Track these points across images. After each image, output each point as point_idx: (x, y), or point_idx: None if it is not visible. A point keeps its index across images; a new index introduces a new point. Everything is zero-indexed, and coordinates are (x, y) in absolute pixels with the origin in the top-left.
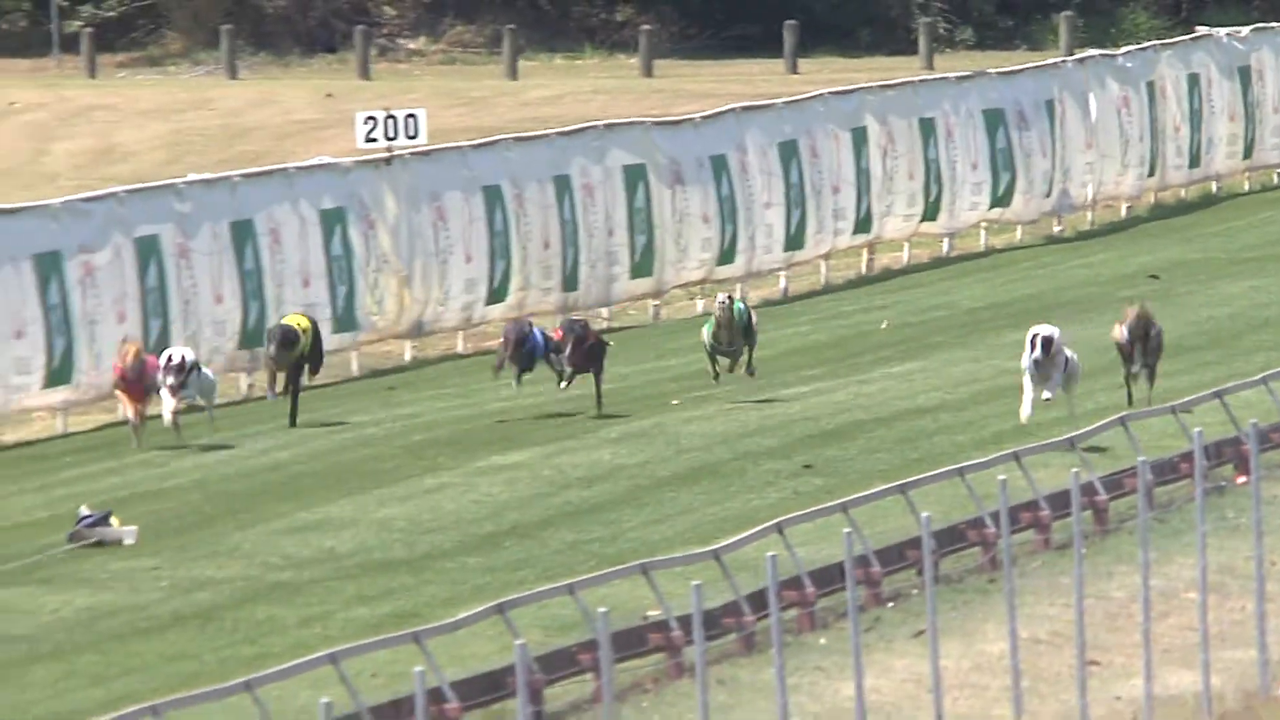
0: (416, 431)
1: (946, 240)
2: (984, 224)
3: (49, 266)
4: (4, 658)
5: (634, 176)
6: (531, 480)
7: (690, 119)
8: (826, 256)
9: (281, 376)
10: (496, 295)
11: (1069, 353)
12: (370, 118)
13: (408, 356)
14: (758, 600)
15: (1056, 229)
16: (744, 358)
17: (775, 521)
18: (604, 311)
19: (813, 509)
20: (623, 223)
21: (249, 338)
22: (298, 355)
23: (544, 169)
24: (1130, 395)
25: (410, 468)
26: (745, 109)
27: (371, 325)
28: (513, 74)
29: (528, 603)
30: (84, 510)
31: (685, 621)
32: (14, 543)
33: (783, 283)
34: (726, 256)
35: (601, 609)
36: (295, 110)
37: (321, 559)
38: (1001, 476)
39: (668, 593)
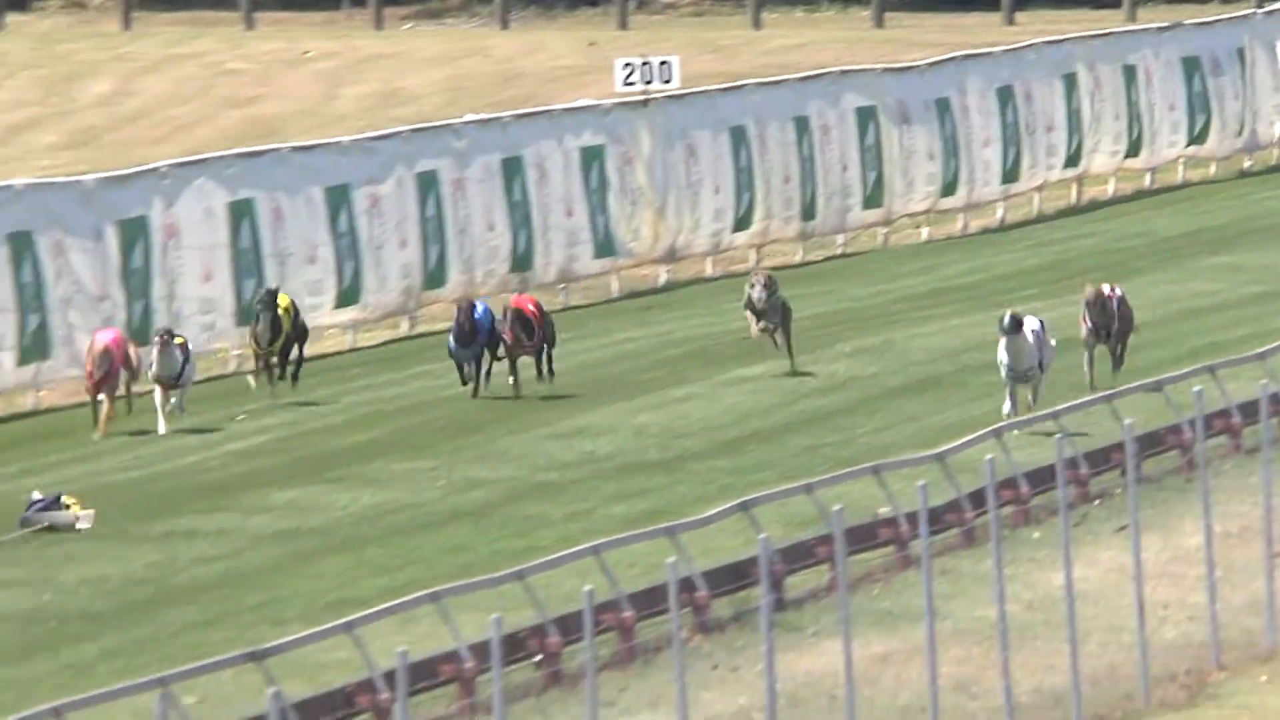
0: (669, 347)
1: (1148, 175)
2: (1181, 160)
3: (339, 198)
4: (300, 549)
5: (865, 117)
6: (773, 390)
7: (916, 66)
8: (1039, 189)
9: (262, 365)
10: (741, 224)
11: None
12: (628, 64)
13: (662, 279)
14: (977, 498)
15: (1247, 164)
16: (782, 337)
17: (993, 427)
18: (839, 238)
19: (1027, 416)
20: (855, 159)
21: (519, 262)
22: (282, 342)
23: (785, 111)
24: (1091, 377)
25: (663, 379)
26: (966, 57)
27: (629, 251)
28: (757, 24)
29: (769, 501)
30: (35, 495)
31: (912, 518)
32: (309, 446)
33: (1000, 212)
34: (949, 189)
35: (836, 506)
36: (561, 57)
37: (583, 461)
38: (1197, 388)
39: (896, 491)
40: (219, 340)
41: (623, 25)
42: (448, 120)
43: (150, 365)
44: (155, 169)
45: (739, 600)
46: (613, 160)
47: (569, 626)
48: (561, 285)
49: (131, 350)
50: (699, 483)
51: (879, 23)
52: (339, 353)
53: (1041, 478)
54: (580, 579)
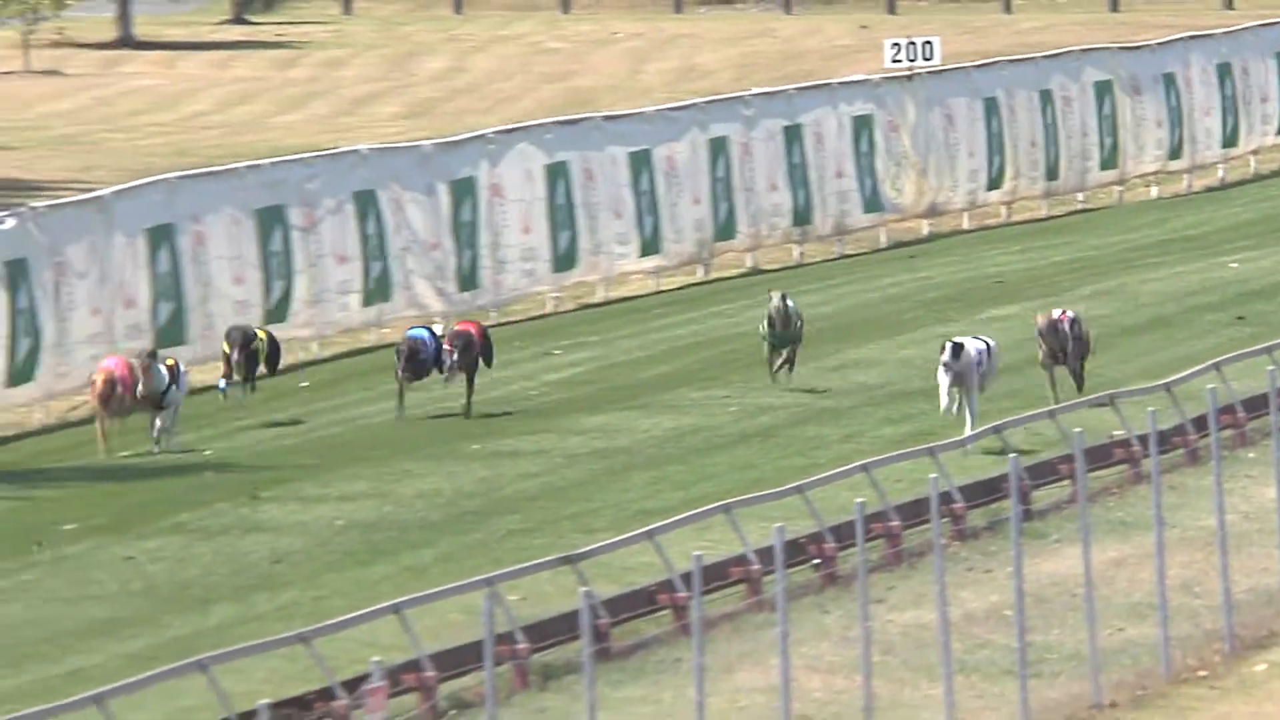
0: (930, 290)
1: None
2: None
3: (641, 160)
4: (609, 466)
5: (1102, 90)
6: (1024, 328)
7: (1147, 45)
8: (1255, 152)
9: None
10: (994, 183)
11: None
12: (895, 44)
13: (925, 231)
14: (1200, 423)
15: None
16: (790, 353)
17: (1213, 361)
18: (1079, 196)
19: (1243, 351)
20: (1093, 126)
21: (798, 217)
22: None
23: (1031, 84)
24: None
25: (925, 318)
26: (1190, 37)
27: (895, 207)
28: (1008, 9)
29: (1018, 425)
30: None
31: (1143, 440)
32: (616, 377)
33: (1220, 173)
34: (1175, 153)
35: (1077, 430)
36: (836, 38)
37: (856, 390)
38: None
39: (1128, 416)
40: (538, 285)
41: (891, 10)
42: (737, 93)
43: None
44: (483, 135)
45: (992, 511)
46: (881, 127)
47: (843, 534)
48: (837, 237)
49: (139, 371)
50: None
51: (1114, 7)
52: (642, 295)
53: (1257, 404)
54: (853, 492)
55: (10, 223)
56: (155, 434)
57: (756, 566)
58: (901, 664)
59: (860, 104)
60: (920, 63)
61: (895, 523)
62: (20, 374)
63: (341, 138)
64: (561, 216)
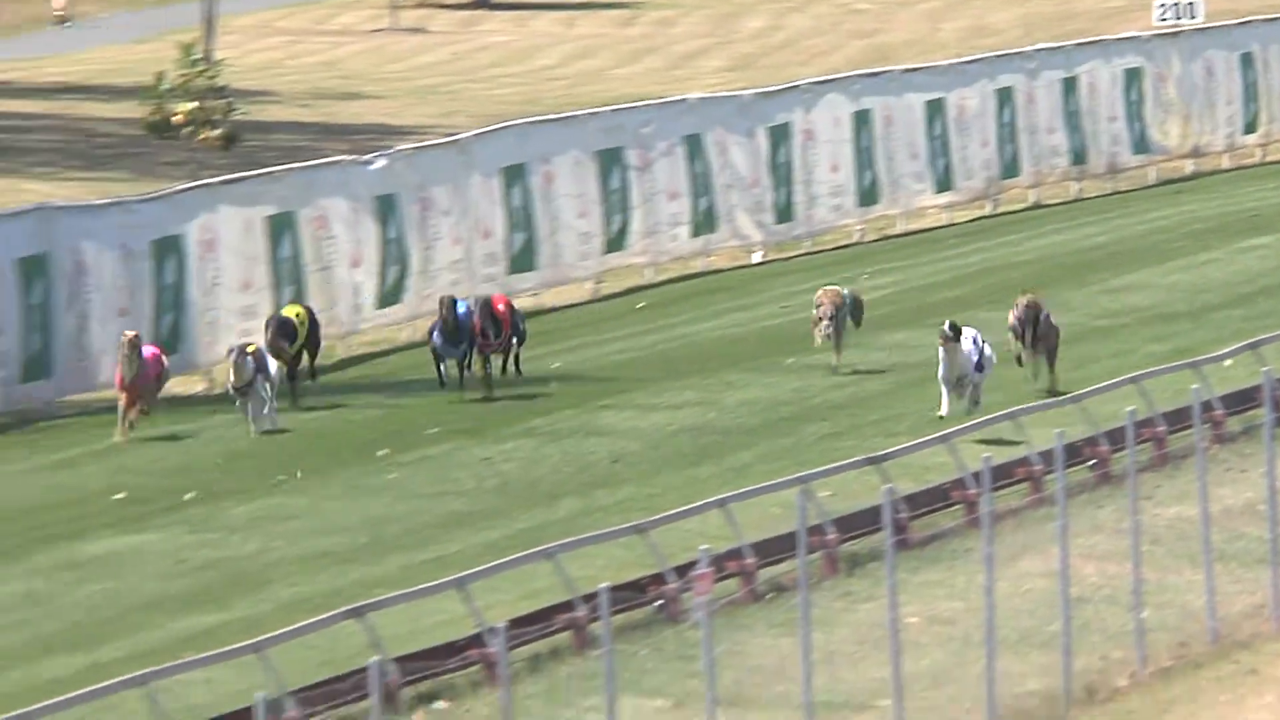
0: (1194, 222)
1: None
2: None
3: (934, 109)
4: (908, 378)
5: None
6: (1276, 257)
7: None
8: None
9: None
10: (1249, 127)
11: (988, 350)
12: (1163, 4)
13: (1188, 170)
14: None
15: None
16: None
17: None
18: None
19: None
20: None
21: (1075, 157)
22: (298, 348)
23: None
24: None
25: (1189, 247)
26: None
27: (1162, 149)
28: None
29: (1273, 341)
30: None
31: None
32: (914, 299)
33: None
34: None
35: None
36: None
37: (1126, 311)
38: None
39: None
40: (845, 218)
41: None
42: (1022, 48)
43: (228, 376)
44: (797, 86)
45: (1247, 418)
46: (1149, 79)
47: (1115, 438)
48: (1110, 175)
49: (164, 361)
50: (1216, 328)
51: None
52: (936, 227)
53: None
54: (1124, 402)
55: (381, 163)
56: (250, 419)
57: (1039, 467)
58: (1167, 553)
59: (1131, 58)
60: (1185, 21)
61: (1161, 428)
62: (389, 296)
63: (672, 88)
64: (865, 158)
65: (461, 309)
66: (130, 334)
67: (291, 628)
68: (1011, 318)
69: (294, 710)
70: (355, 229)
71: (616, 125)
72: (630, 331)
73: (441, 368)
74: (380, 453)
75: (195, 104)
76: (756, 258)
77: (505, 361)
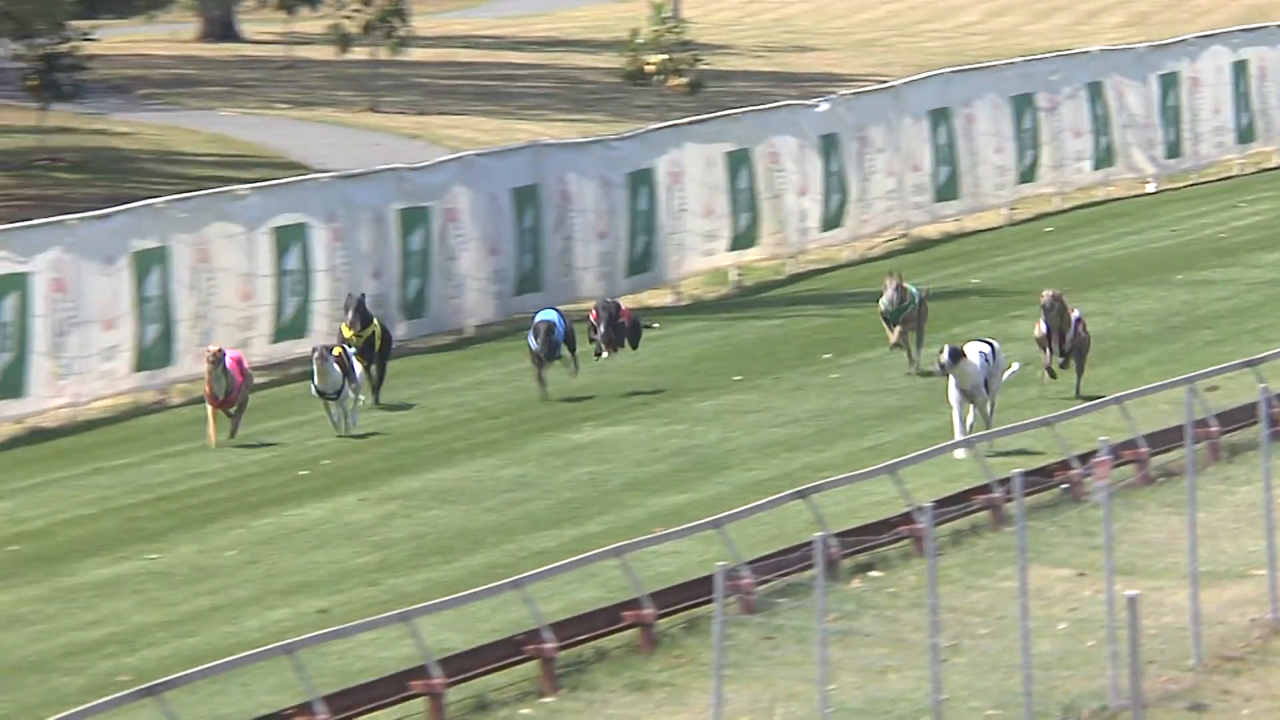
0: None
1: None
2: None
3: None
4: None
5: None
6: None
7: None
8: None
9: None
10: None
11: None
12: None
13: None
14: None
15: None
16: (910, 333)
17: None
18: None
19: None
20: None
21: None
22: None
23: None
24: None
25: None
26: None
27: None
28: None
29: None
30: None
31: None
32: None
33: None
34: None
35: None
36: None
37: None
38: None
39: None
40: (1226, 154)
41: None
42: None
43: (312, 379)
44: (1184, 39)
45: None
46: None
47: None
48: None
49: (246, 366)
50: None
51: None
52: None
53: None
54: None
55: (825, 106)
56: (335, 422)
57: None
58: None
59: None
60: None
61: None
62: (831, 221)
63: (1077, 42)
64: (1243, 101)
65: (559, 326)
66: (212, 349)
67: (746, 507)
68: (1038, 330)
69: (747, 577)
70: (802, 163)
71: (1028, 73)
72: (1039, 252)
73: (541, 374)
74: (824, 356)
75: (665, 56)
76: (1150, 188)
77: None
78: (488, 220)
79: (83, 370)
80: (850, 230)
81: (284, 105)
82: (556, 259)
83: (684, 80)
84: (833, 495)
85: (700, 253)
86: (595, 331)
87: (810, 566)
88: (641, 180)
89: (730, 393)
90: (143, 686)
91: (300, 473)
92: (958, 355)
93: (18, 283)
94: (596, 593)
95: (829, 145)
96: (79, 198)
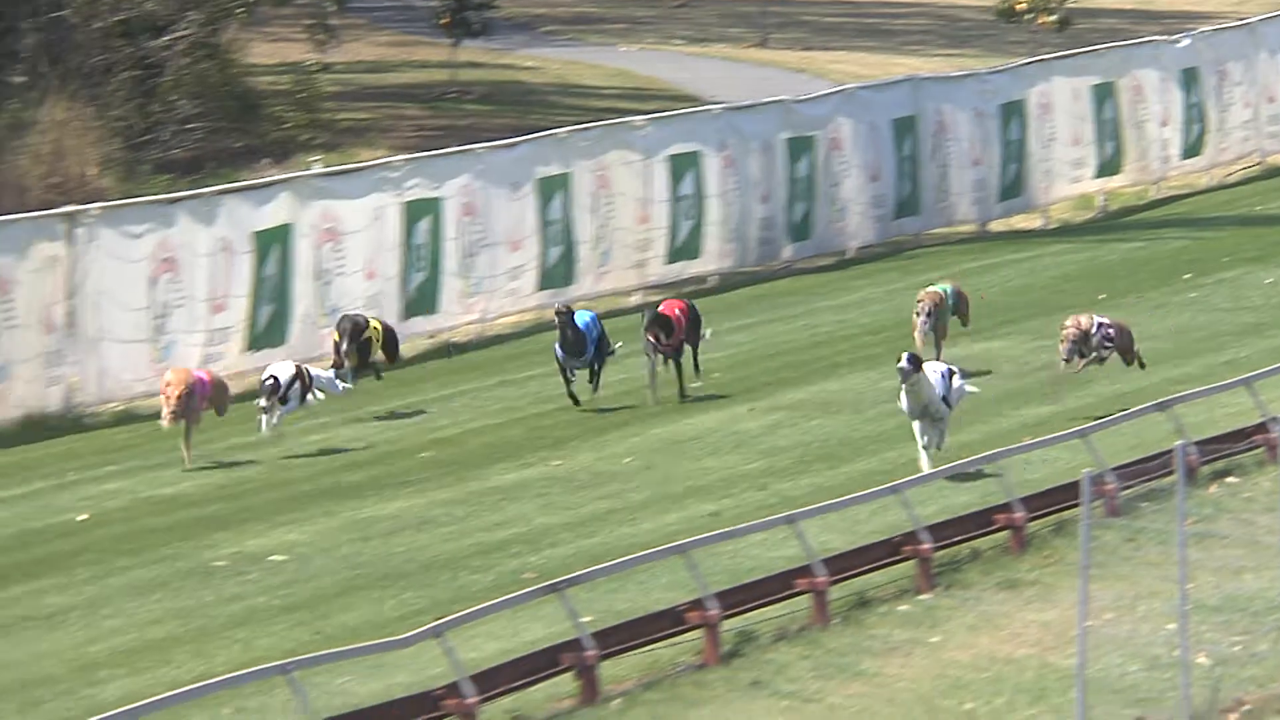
0: None
1: None
2: None
3: None
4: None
5: None
6: None
7: None
8: None
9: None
10: None
11: (956, 383)
12: None
13: None
14: None
15: None
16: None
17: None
18: None
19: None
20: None
21: None
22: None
23: None
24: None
25: None
26: None
27: None
28: None
29: None
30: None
31: None
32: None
33: None
34: None
35: None
36: None
37: None
38: None
39: None
40: None
41: None
42: None
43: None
44: None
45: None
46: None
47: None
48: None
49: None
50: None
51: None
52: None
53: None
54: None
55: (1186, 42)
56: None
57: None
58: None
59: None
60: None
61: None
62: (1191, 150)
63: None
64: None
65: (583, 320)
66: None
67: (1110, 417)
68: (1062, 349)
69: (1112, 483)
70: (1163, 95)
71: None
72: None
73: (568, 375)
74: (1184, 276)
75: None
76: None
77: (679, 364)
78: (868, 149)
79: (490, 289)
80: (1209, 158)
81: (679, 41)
82: (933, 185)
83: (1053, 18)
84: (1191, 407)
85: (1068, 179)
86: (657, 345)
87: (1170, 473)
88: (1012, 111)
89: (1094, 311)
90: (546, 584)
91: (693, 385)
92: (917, 363)
93: (431, 207)
94: (969, 497)
95: (1189, 78)
96: (486, 128)
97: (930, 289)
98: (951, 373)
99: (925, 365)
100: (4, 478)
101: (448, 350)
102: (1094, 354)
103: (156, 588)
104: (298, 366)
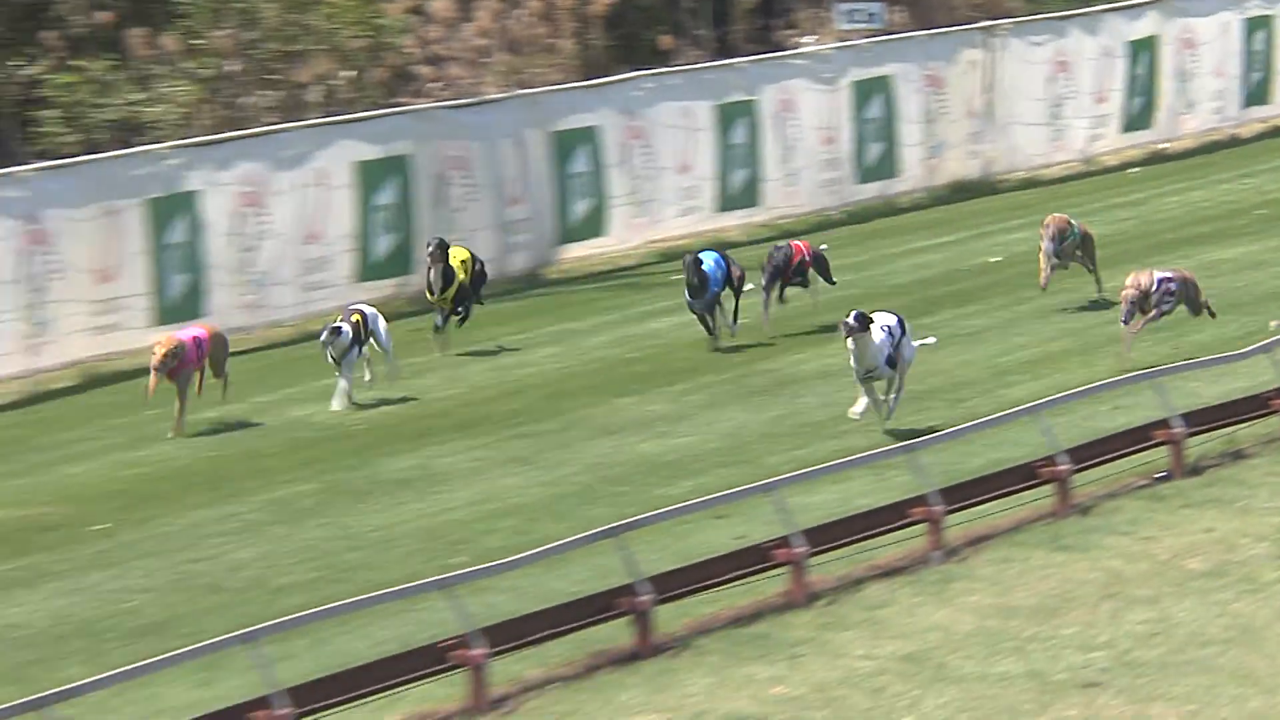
0: None
1: None
2: None
3: None
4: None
5: None
6: None
7: None
8: None
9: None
10: None
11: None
12: None
13: None
14: None
15: None
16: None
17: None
18: None
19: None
20: None
21: None
22: (455, 291)
23: None
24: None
25: None
26: None
27: None
28: None
29: None
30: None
31: None
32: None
33: None
34: None
35: None
36: None
37: None
38: None
39: None
40: None
41: None
42: None
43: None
44: None
45: None
46: None
47: None
48: None
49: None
50: None
51: None
52: None
53: None
54: None
55: None
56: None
57: None
58: None
59: None
60: None
61: None
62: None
63: None
64: None
65: (710, 263)
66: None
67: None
68: (1122, 310)
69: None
70: None
71: None
72: None
73: (708, 321)
74: None
75: None
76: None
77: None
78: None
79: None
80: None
81: None
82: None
83: None
84: None
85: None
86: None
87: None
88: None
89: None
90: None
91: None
92: (865, 322)
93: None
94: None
95: None
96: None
97: (1057, 215)
98: (903, 330)
99: (876, 318)
100: (937, 228)
101: None
102: (1154, 310)
103: (1054, 313)
104: (359, 314)
